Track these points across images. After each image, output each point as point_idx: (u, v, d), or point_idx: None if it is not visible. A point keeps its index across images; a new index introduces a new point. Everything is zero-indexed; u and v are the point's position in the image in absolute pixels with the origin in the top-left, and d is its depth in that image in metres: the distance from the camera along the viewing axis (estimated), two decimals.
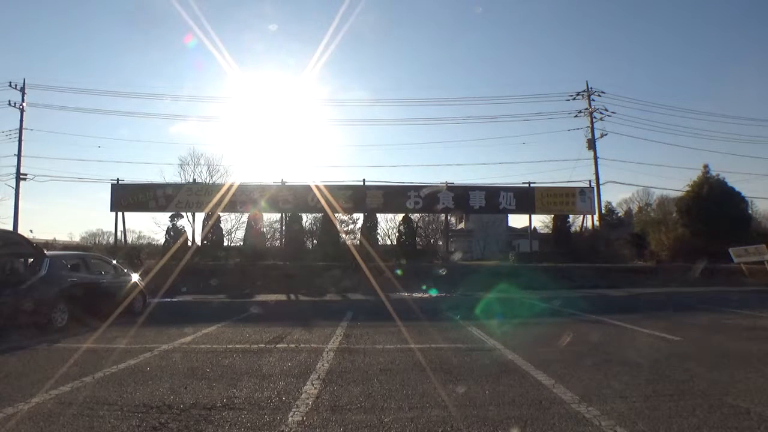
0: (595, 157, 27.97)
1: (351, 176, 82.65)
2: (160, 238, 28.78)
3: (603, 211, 31.26)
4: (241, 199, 25.14)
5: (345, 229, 34.14)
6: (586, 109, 28.50)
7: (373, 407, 3.76)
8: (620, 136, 68.63)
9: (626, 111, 79.50)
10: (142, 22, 76.83)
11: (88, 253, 11.63)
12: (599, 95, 28.46)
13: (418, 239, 30.70)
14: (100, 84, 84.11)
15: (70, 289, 8.59)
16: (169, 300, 14.25)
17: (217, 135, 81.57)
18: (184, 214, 25.57)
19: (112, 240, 28.96)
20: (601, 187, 27.61)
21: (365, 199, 25.53)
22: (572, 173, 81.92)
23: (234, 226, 34.02)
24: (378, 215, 26.54)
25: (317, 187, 24.92)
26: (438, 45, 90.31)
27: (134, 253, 22.55)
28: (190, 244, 23.96)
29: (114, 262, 11.06)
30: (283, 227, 26.60)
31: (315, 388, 4.33)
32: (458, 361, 5.47)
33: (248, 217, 25.90)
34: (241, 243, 27.86)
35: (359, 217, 28.90)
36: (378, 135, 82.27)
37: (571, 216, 28.26)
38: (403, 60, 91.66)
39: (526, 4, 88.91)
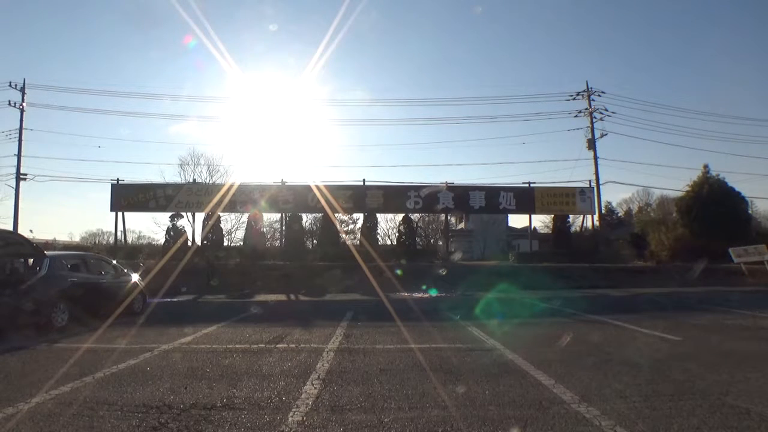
0: (595, 157, 28.00)
1: (351, 176, 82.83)
2: (160, 238, 28.85)
3: (603, 211, 31.28)
4: (241, 199, 25.15)
5: (345, 229, 34.19)
6: (586, 109, 28.51)
7: (373, 407, 3.76)
8: (620, 136, 68.94)
9: (626, 111, 79.97)
10: (142, 22, 76.85)
11: (88, 253, 11.64)
12: (599, 95, 28.51)
13: (418, 239, 30.70)
14: (100, 84, 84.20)
15: (70, 289, 8.58)
16: (168, 300, 14.25)
17: (217, 135, 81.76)
18: (184, 214, 25.56)
19: (112, 240, 28.96)
20: (601, 187, 27.66)
21: (365, 199, 25.53)
22: (572, 173, 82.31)
23: (234, 226, 34.13)
24: (378, 215, 26.49)
25: (317, 187, 24.92)
26: (438, 45, 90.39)
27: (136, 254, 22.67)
28: (190, 244, 23.94)
29: (114, 262, 11.06)
30: (283, 227, 26.59)
31: (315, 388, 4.33)
32: (458, 361, 5.46)
33: (248, 217, 25.88)
34: (241, 243, 27.85)
35: (359, 217, 28.97)
36: (378, 135, 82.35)
37: (571, 216, 28.28)
38: (403, 60, 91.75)
39: (525, 4, 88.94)
